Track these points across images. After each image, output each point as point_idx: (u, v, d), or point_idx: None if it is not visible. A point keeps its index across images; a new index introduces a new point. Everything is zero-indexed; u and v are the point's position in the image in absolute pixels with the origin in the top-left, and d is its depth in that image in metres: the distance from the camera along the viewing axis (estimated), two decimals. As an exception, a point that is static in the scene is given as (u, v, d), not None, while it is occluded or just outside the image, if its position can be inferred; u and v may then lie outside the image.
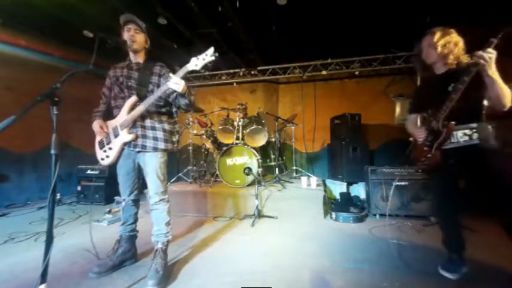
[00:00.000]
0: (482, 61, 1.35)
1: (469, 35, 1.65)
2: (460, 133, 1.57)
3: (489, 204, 1.60)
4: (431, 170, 1.72)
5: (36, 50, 3.90)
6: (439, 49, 1.61)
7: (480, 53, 1.36)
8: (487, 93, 1.47)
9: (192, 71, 1.68)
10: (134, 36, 1.80)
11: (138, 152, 1.80)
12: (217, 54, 1.61)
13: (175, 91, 1.70)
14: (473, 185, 1.67)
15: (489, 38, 1.39)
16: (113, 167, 1.89)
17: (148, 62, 1.90)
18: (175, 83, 1.59)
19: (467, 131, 1.55)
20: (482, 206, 1.73)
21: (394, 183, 2.79)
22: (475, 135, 1.53)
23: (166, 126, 1.87)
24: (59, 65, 4.08)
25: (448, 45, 1.60)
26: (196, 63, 1.62)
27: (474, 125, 1.54)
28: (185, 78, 1.66)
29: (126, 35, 1.80)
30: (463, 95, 1.48)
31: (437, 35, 1.63)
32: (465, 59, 1.60)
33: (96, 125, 1.84)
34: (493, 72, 1.37)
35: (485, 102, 1.54)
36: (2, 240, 2.43)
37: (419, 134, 1.73)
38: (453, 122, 1.53)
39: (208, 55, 1.61)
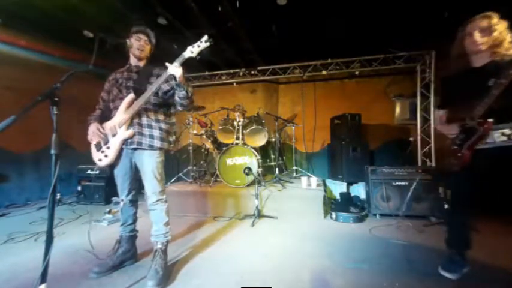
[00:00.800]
0: None
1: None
2: (497, 133, 1.44)
3: None
4: (458, 171, 1.59)
5: (36, 50, 3.90)
6: (496, 34, 1.42)
7: None
8: None
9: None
10: (144, 46, 1.87)
11: (135, 149, 1.80)
12: (211, 40, 1.62)
13: (173, 87, 1.71)
14: (504, 187, 1.57)
15: None
16: (114, 167, 1.87)
17: (148, 65, 1.93)
18: (174, 69, 1.60)
19: (507, 131, 1.41)
20: (486, 206, 1.70)
21: (414, 183, 2.86)
22: None
23: (163, 126, 1.88)
24: (59, 65, 4.08)
25: (503, 32, 1.43)
26: (192, 50, 1.64)
27: None
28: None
29: (135, 43, 1.85)
30: (504, 91, 1.34)
31: (495, 18, 1.44)
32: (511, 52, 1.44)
33: (91, 129, 1.83)
34: None
35: None
36: (2, 240, 2.43)
37: (451, 131, 1.60)
38: (491, 120, 1.40)
39: (203, 42, 1.62)
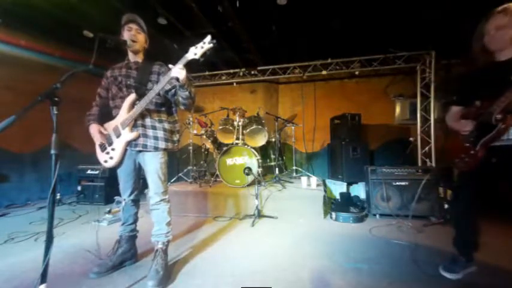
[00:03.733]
0: None
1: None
2: None
3: None
4: (468, 169, 1.53)
5: (36, 50, 3.90)
6: None
7: None
8: None
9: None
10: (136, 36, 1.80)
11: (139, 151, 1.80)
12: (215, 41, 1.58)
13: (174, 86, 1.70)
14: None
15: None
16: (117, 167, 1.86)
17: (147, 61, 1.90)
18: (177, 71, 1.57)
19: None
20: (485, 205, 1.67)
21: (422, 183, 2.76)
22: None
23: (167, 125, 1.86)
24: (59, 65, 4.08)
25: None
26: (195, 51, 1.60)
27: None
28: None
29: (127, 34, 1.79)
30: None
31: (509, 14, 1.40)
32: None
33: (94, 130, 1.80)
34: None
35: None
36: (2, 240, 2.43)
37: (464, 127, 1.52)
38: (511, 116, 1.33)
39: (206, 43, 1.59)
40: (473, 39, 1.57)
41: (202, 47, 1.59)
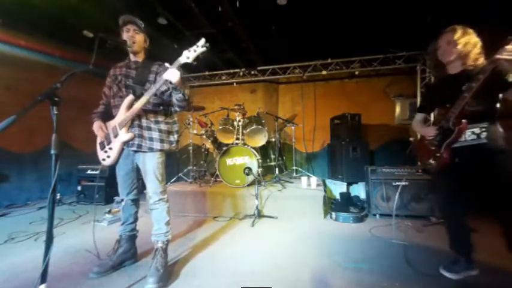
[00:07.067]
0: (505, 62, 1.33)
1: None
2: (468, 132, 1.55)
3: (492, 205, 1.57)
4: (438, 170, 1.69)
5: (36, 50, 3.90)
6: (460, 47, 1.55)
7: (498, 56, 1.35)
8: (505, 94, 1.44)
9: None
10: (134, 37, 1.81)
11: (135, 151, 1.81)
12: (208, 44, 1.58)
13: (168, 88, 1.71)
14: (479, 184, 1.64)
15: (494, 39, 1.37)
16: (113, 167, 1.89)
17: (147, 61, 1.91)
18: (169, 74, 1.58)
19: (476, 130, 1.53)
20: (485, 205, 1.70)
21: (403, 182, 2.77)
22: (484, 134, 1.50)
23: (163, 126, 1.86)
24: (59, 65, 4.08)
25: (467, 45, 1.55)
26: (188, 55, 1.60)
27: (485, 124, 1.51)
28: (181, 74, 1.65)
29: (125, 36, 1.81)
30: (477, 94, 1.44)
31: (458, 33, 1.57)
32: (482, 61, 1.55)
33: (96, 126, 1.86)
34: None
35: (498, 105, 1.50)
36: (2, 240, 2.43)
37: (429, 133, 1.71)
38: (465, 121, 1.50)
39: (200, 46, 1.58)
40: (427, 53, 1.78)
41: (195, 51, 1.59)
